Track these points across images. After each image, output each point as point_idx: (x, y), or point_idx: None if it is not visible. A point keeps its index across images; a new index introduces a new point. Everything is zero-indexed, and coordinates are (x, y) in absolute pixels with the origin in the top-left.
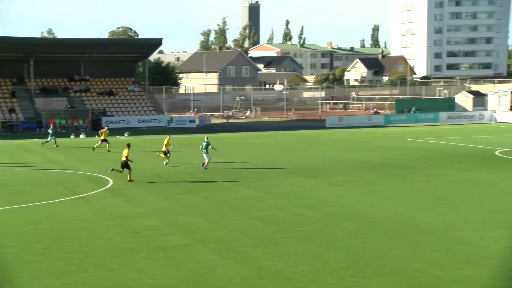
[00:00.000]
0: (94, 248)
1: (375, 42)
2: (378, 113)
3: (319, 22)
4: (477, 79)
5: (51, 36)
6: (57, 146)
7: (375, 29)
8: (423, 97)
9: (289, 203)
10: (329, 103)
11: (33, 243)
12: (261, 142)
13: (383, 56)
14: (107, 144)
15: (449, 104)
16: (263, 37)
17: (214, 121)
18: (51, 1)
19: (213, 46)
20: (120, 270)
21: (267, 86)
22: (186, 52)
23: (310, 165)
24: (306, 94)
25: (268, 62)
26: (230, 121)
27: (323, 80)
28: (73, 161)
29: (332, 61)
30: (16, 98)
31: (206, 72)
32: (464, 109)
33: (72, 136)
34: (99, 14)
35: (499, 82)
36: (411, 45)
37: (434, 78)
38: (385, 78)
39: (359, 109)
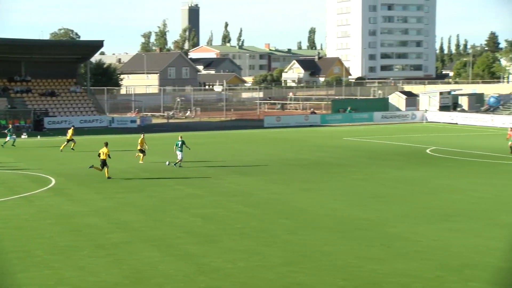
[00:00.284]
0: (35, 247)
1: (312, 44)
2: (315, 113)
3: (257, 24)
4: (409, 80)
5: None
6: (13, 145)
7: (312, 32)
8: (358, 97)
9: (229, 201)
10: (267, 103)
11: None
12: (201, 141)
13: (319, 58)
14: (73, 143)
15: (383, 104)
16: (203, 39)
17: (155, 121)
18: None
19: (153, 48)
20: (61, 268)
21: (207, 87)
22: (127, 53)
23: (249, 164)
24: (244, 95)
25: (208, 63)
26: (170, 121)
27: (261, 81)
28: (15, 161)
29: (270, 63)
30: None
31: (147, 73)
32: (397, 109)
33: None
34: (39, 15)
35: (429, 83)
36: (347, 47)
37: (368, 79)
38: (321, 79)
39: (296, 109)
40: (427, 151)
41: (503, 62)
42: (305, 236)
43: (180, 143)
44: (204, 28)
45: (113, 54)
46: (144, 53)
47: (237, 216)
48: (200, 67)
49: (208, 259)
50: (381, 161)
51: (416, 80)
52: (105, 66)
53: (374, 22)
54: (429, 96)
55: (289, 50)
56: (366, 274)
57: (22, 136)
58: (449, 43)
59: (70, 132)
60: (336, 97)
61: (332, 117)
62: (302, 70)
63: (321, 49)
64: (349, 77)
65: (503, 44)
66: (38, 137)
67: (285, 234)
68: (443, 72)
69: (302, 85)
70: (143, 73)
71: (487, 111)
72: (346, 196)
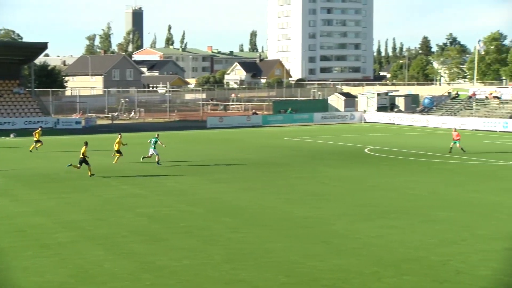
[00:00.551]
0: None
1: (253, 47)
2: (257, 114)
3: (200, 27)
4: (348, 81)
5: None
6: None
7: (253, 35)
8: (299, 98)
9: (173, 200)
10: (210, 104)
11: None
12: (146, 142)
13: (260, 60)
14: (39, 144)
15: (322, 105)
16: (147, 41)
17: (99, 122)
18: None
19: (98, 50)
20: (6, 269)
21: (151, 88)
22: (72, 55)
23: (192, 164)
24: (188, 96)
25: (151, 65)
26: (115, 122)
27: (204, 82)
28: None
29: (212, 65)
30: None
31: (92, 75)
32: (337, 110)
33: None
34: None
35: (367, 84)
36: (287, 50)
37: (308, 80)
38: (263, 81)
39: (239, 110)
40: (366, 150)
41: (435, 65)
42: (247, 234)
43: (153, 140)
44: (148, 31)
45: (58, 56)
46: (89, 55)
47: (181, 215)
48: (144, 69)
49: (153, 258)
50: (321, 161)
51: (355, 81)
52: (49, 68)
53: (313, 26)
54: (367, 97)
55: (231, 52)
56: (307, 271)
57: None
58: (386, 46)
59: (37, 132)
60: (277, 98)
61: (274, 117)
62: (244, 72)
63: (263, 51)
64: (290, 78)
65: (435, 48)
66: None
67: (228, 232)
68: (381, 74)
69: (244, 86)
70: (88, 75)
71: (422, 111)
72: (287, 194)
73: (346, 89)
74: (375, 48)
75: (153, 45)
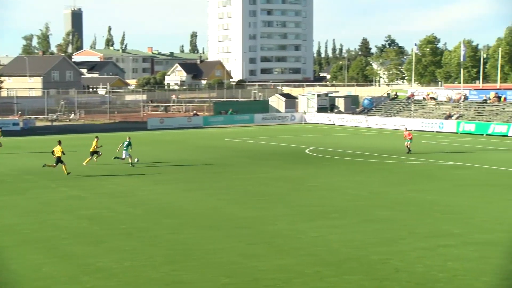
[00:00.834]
0: None
1: (194, 48)
2: (197, 115)
3: (141, 28)
4: (288, 82)
5: None
6: None
7: (194, 36)
8: (239, 99)
9: (113, 202)
10: (151, 105)
11: None
12: (86, 143)
13: (201, 61)
14: None
15: (263, 106)
16: (86, 42)
17: (38, 124)
18: None
19: (36, 51)
20: None
21: (91, 89)
22: (7, 56)
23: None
24: (128, 97)
25: (91, 66)
26: (55, 123)
27: (144, 84)
28: None
29: (153, 66)
30: None
31: (30, 76)
32: (277, 111)
33: None
34: None
35: (308, 85)
36: (228, 51)
37: (249, 81)
38: (204, 82)
39: (179, 111)
40: (306, 151)
41: (375, 66)
42: (188, 235)
43: (126, 143)
44: (88, 32)
45: None
46: (26, 56)
47: (122, 217)
48: (84, 70)
49: (94, 260)
50: (262, 161)
51: (295, 82)
52: None
53: (254, 27)
54: (307, 98)
55: (172, 53)
56: (248, 271)
57: None
58: (326, 47)
59: None
60: (218, 99)
61: (214, 119)
62: (184, 73)
63: (203, 52)
64: (231, 80)
65: (374, 50)
66: None
67: (169, 234)
68: (321, 75)
69: (184, 87)
70: (26, 76)
71: (361, 112)
72: (228, 195)
73: (286, 90)
74: (315, 50)
75: (93, 46)
